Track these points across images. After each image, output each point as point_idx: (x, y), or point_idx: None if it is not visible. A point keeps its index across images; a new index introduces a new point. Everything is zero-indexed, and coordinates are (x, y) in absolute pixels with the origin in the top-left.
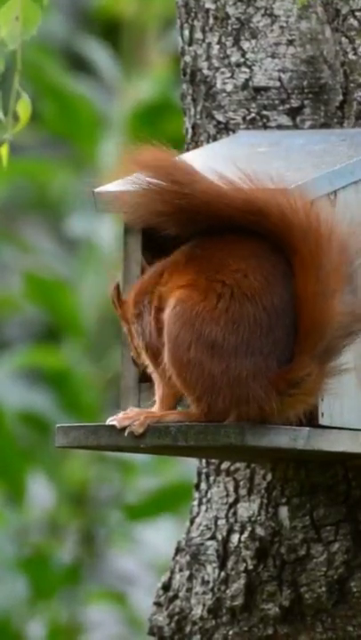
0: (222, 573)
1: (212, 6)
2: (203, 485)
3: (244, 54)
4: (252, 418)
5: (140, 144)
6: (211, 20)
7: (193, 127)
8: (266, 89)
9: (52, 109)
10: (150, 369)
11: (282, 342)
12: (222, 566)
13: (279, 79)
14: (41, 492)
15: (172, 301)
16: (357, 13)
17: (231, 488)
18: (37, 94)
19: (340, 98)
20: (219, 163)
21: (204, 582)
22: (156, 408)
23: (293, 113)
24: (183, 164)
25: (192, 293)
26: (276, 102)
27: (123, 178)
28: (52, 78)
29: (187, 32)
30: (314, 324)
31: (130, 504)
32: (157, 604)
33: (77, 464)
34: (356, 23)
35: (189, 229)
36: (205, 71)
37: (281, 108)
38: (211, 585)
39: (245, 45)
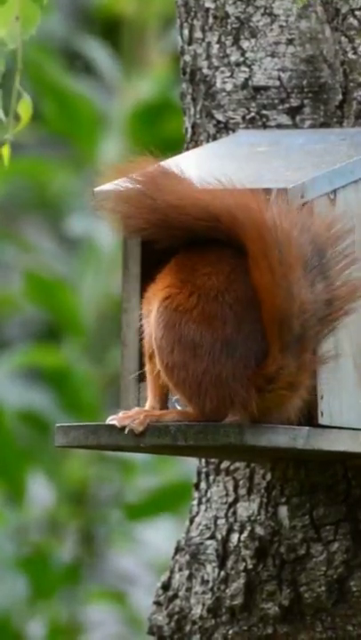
0: (222, 573)
1: (212, 5)
2: (202, 485)
3: (243, 53)
4: (243, 418)
5: (132, 154)
6: (210, 20)
7: (193, 126)
8: (265, 88)
9: (52, 109)
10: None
11: (255, 337)
12: (222, 566)
13: (279, 78)
14: (41, 492)
15: (156, 304)
16: (357, 12)
17: (231, 487)
18: (37, 94)
19: (340, 97)
20: (218, 162)
21: (204, 582)
22: (148, 405)
23: (293, 112)
24: (160, 175)
25: (170, 293)
26: (276, 101)
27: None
28: (51, 77)
29: (186, 31)
30: (274, 315)
31: (130, 503)
32: (157, 604)
33: (77, 463)
34: (355, 22)
35: (178, 241)
36: (205, 70)
37: (281, 107)
38: (210, 584)
39: (245, 45)
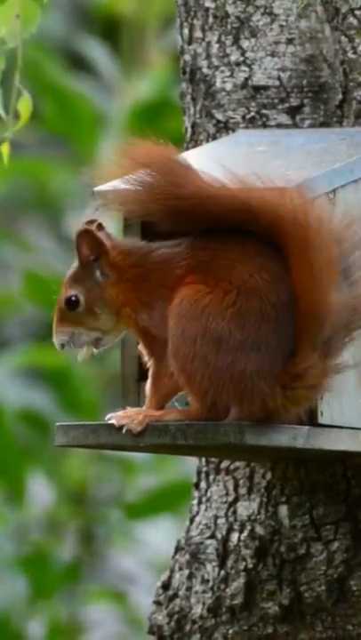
0: (222, 572)
1: (212, 5)
2: (202, 484)
3: (243, 53)
4: (256, 414)
5: (138, 140)
6: (210, 19)
7: (192, 126)
8: (265, 88)
9: (52, 108)
10: (149, 363)
11: (289, 337)
12: (222, 565)
13: (279, 78)
14: (41, 491)
15: (178, 298)
16: (357, 12)
17: (231, 487)
18: (37, 93)
19: (340, 97)
20: (218, 162)
21: (204, 581)
22: (146, 405)
23: (293, 112)
24: (179, 163)
25: (199, 290)
26: (276, 101)
27: (119, 175)
28: (51, 77)
29: (186, 31)
30: (310, 316)
31: (130, 503)
32: (157, 603)
33: (77, 463)
34: (355, 22)
35: (183, 227)
36: (205, 70)
37: (280, 106)
38: (210, 584)
39: (245, 44)
